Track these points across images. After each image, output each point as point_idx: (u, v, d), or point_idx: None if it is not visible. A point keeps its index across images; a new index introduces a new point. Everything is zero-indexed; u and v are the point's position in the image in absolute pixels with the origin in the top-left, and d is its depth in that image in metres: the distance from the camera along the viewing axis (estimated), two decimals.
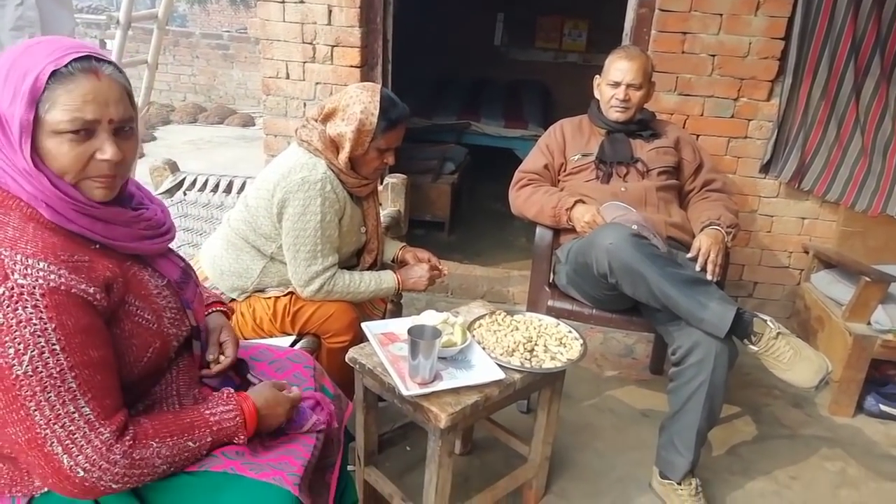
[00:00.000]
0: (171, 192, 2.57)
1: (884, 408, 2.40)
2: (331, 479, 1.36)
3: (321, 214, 1.75)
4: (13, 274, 0.88)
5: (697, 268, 1.93)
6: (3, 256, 0.89)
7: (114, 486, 0.96)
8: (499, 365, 1.60)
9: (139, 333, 1.06)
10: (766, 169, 2.80)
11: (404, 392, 1.48)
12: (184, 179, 2.68)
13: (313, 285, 1.80)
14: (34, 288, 0.89)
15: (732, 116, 2.78)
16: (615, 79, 2.17)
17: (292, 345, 1.80)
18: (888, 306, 2.32)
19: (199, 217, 2.58)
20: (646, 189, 2.14)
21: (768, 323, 1.78)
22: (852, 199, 2.70)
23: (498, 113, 4.90)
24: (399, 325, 1.73)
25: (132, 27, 3.03)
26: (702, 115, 2.79)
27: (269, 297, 1.86)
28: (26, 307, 0.88)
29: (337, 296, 1.84)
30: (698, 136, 2.79)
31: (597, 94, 2.31)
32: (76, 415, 0.93)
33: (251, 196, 1.85)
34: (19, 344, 0.88)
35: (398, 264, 2.10)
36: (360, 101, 1.74)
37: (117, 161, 0.99)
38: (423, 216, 3.98)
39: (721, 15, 2.64)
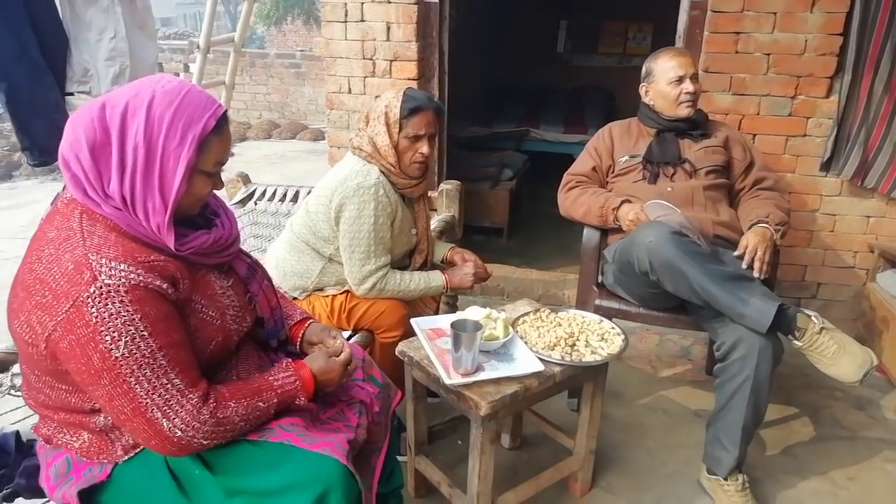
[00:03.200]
0: (243, 202, 2.79)
1: None
2: (376, 463, 1.48)
3: (374, 217, 1.89)
4: (101, 276, 1.03)
5: (744, 265, 1.93)
6: (91, 261, 1.04)
7: (204, 442, 1.13)
8: (539, 358, 1.68)
9: (203, 328, 1.21)
10: (826, 167, 2.75)
11: (447, 381, 1.58)
12: (255, 190, 2.90)
13: (367, 283, 1.94)
14: (119, 286, 1.04)
15: (790, 115, 2.74)
16: (677, 74, 2.19)
17: (348, 339, 1.93)
18: None
19: (268, 224, 2.78)
20: (692, 189, 2.16)
21: (812, 318, 1.77)
22: None
23: (558, 119, 4.96)
24: (446, 322, 1.83)
25: (212, 51, 3.30)
26: (758, 114, 2.76)
27: (328, 296, 2.01)
28: (114, 302, 1.03)
29: (389, 294, 1.97)
30: (755, 135, 2.77)
31: (647, 100, 2.31)
32: (169, 385, 1.09)
33: (311, 202, 2.01)
34: (113, 332, 1.03)
35: (447, 265, 2.20)
36: (385, 98, 1.91)
37: None
38: (482, 222, 4.08)
39: (775, 13, 2.62)
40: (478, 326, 1.63)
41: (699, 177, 2.21)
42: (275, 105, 9.24)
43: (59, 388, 1.16)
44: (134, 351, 1.05)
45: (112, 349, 1.03)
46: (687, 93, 2.19)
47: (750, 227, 2.07)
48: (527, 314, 1.91)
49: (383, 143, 1.89)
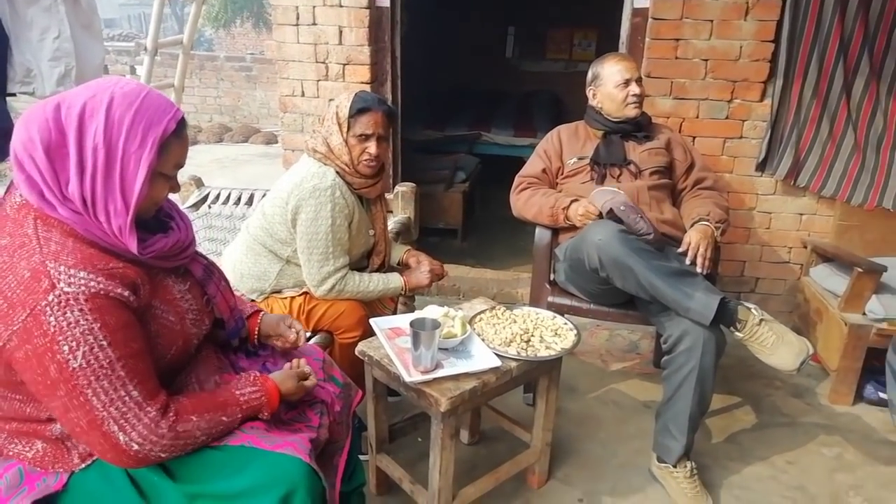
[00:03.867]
0: (196, 205, 2.75)
1: (882, 395, 2.45)
2: (339, 462, 1.50)
3: (332, 219, 1.91)
4: (59, 283, 1.01)
5: (687, 261, 2.03)
6: (49, 268, 1.01)
7: (162, 455, 1.12)
8: (496, 354, 1.73)
9: (164, 334, 1.20)
10: (761, 167, 2.90)
11: (407, 379, 1.61)
12: (208, 194, 2.87)
13: (326, 285, 1.95)
14: (78, 294, 1.01)
15: (727, 118, 2.88)
16: (623, 77, 2.28)
17: (307, 340, 1.94)
18: (882, 296, 2.39)
19: (222, 228, 2.75)
20: (638, 189, 2.25)
21: (752, 310, 1.87)
22: (847, 193, 2.78)
23: (509, 123, 5.05)
24: (404, 321, 1.86)
25: (159, 53, 3.24)
26: (697, 117, 2.89)
27: (286, 298, 2.01)
28: (73, 311, 1.01)
29: (348, 295, 1.99)
30: (694, 138, 2.90)
31: (594, 102, 2.40)
32: (126, 398, 1.07)
33: (268, 205, 2.02)
34: (72, 342, 1.01)
35: (403, 267, 2.24)
36: (338, 99, 1.96)
37: None
38: (436, 224, 4.12)
39: (711, 21, 2.75)
40: (436, 325, 1.67)
41: (644, 177, 2.30)
42: (226, 108, 9.09)
43: (13, 398, 1.13)
44: (92, 361, 1.03)
45: (69, 359, 1.01)
46: (634, 95, 2.29)
47: (692, 225, 2.17)
48: (483, 312, 1.96)
49: (336, 142, 1.92)
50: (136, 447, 1.08)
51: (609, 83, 2.32)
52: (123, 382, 1.07)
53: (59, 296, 1.00)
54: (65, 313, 1.00)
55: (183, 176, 2.78)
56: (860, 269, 2.37)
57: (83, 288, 1.02)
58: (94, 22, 2.37)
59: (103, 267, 1.07)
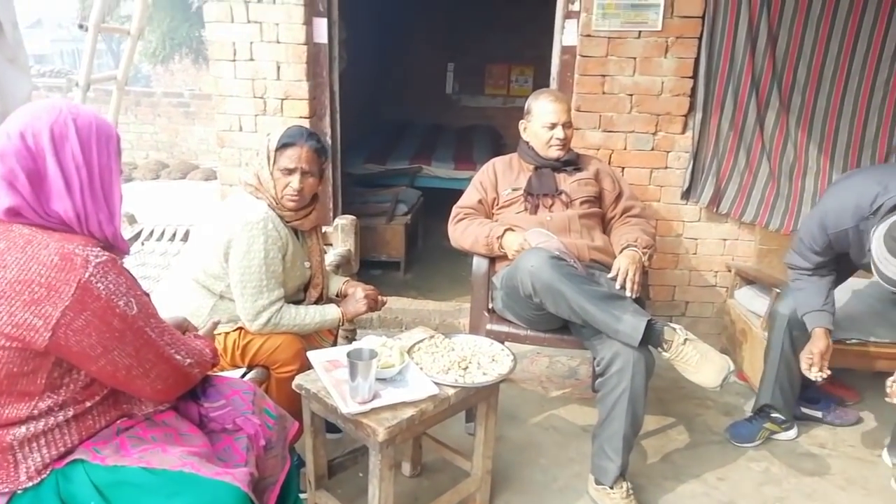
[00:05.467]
0: (129, 242, 2.69)
1: (805, 410, 2.58)
2: (269, 498, 1.48)
3: (264, 252, 1.90)
4: (90, 257, 1.14)
5: (617, 286, 2.11)
6: (71, 249, 1.14)
7: (198, 374, 1.38)
8: (434, 382, 1.74)
9: None
10: (686, 196, 3.04)
11: (344, 410, 1.61)
12: (141, 231, 2.82)
13: (261, 319, 1.93)
14: (106, 261, 1.16)
15: (653, 149, 3.02)
16: (551, 121, 2.37)
17: (242, 376, 1.91)
18: None
19: (156, 265, 2.70)
20: (569, 217, 2.34)
21: (677, 331, 1.95)
22: (766, 219, 2.95)
23: (449, 156, 5.15)
24: (342, 353, 1.86)
25: (93, 89, 3.18)
26: (625, 149, 3.03)
27: (220, 334, 1.97)
28: (110, 275, 1.16)
29: (284, 328, 1.97)
30: (623, 168, 3.03)
31: (525, 136, 2.50)
32: (166, 327, 1.29)
33: (200, 240, 2.00)
34: (122, 297, 1.17)
35: (342, 298, 2.24)
36: (271, 133, 1.98)
37: None
38: (378, 256, 4.14)
39: (635, 58, 2.91)
40: (373, 354, 1.68)
41: (574, 207, 2.39)
42: (163, 144, 8.94)
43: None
44: (141, 306, 1.21)
45: (127, 310, 1.18)
46: (557, 139, 2.38)
47: (621, 251, 2.26)
48: (422, 341, 1.97)
49: (265, 175, 1.93)
50: (188, 362, 1.32)
51: (537, 121, 2.41)
52: (159, 317, 1.28)
53: (96, 266, 1.14)
54: (106, 277, 1.15)
55: None
56: (778, 291, 2.50)
57: (104, 257, 1.16)
58: (19, 55, 2.30)
59: (96, 244, 1.20)
